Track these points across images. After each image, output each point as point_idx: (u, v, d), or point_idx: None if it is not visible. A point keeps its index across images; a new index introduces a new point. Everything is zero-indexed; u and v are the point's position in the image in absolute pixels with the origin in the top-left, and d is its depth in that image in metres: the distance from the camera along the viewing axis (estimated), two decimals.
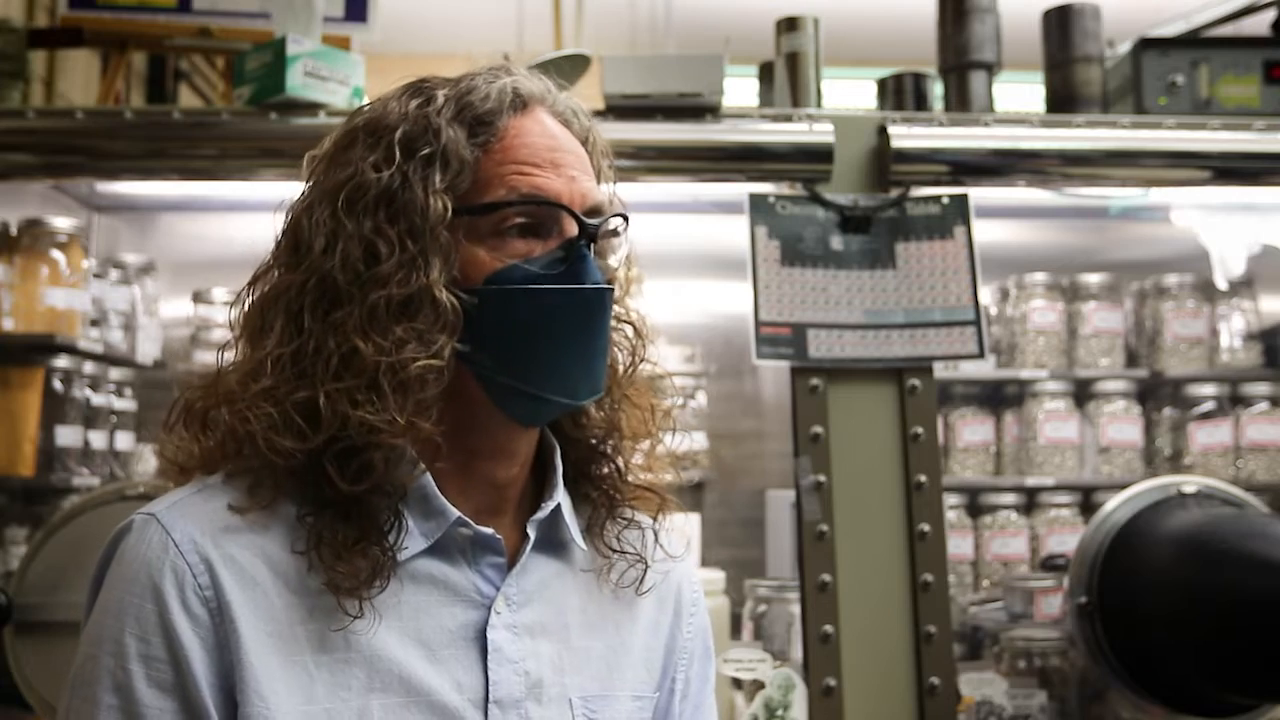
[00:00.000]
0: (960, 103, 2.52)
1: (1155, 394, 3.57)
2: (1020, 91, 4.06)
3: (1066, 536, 3.27)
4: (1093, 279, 3.57)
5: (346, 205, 1.04)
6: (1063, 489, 3.46)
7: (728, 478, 3.72)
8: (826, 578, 2.11)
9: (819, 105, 2.42)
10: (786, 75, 2.42)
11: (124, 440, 3.00)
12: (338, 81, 2.22)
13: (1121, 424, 3.49)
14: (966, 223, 2.26)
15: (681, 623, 1.22)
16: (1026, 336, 3.55)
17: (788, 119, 2.30)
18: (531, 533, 1.10)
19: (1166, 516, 2.25)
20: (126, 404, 3.04)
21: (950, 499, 3.41)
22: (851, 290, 2.23)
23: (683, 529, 1.26)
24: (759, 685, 2.15)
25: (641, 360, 1.17)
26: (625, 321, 1.16)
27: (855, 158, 2.28)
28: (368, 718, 0.99)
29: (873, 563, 2.14)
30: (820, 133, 2.26)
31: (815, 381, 2.19)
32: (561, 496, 1.13)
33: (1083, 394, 3.55)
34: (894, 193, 2.27)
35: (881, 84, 2.75)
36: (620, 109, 2.24)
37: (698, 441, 3.64)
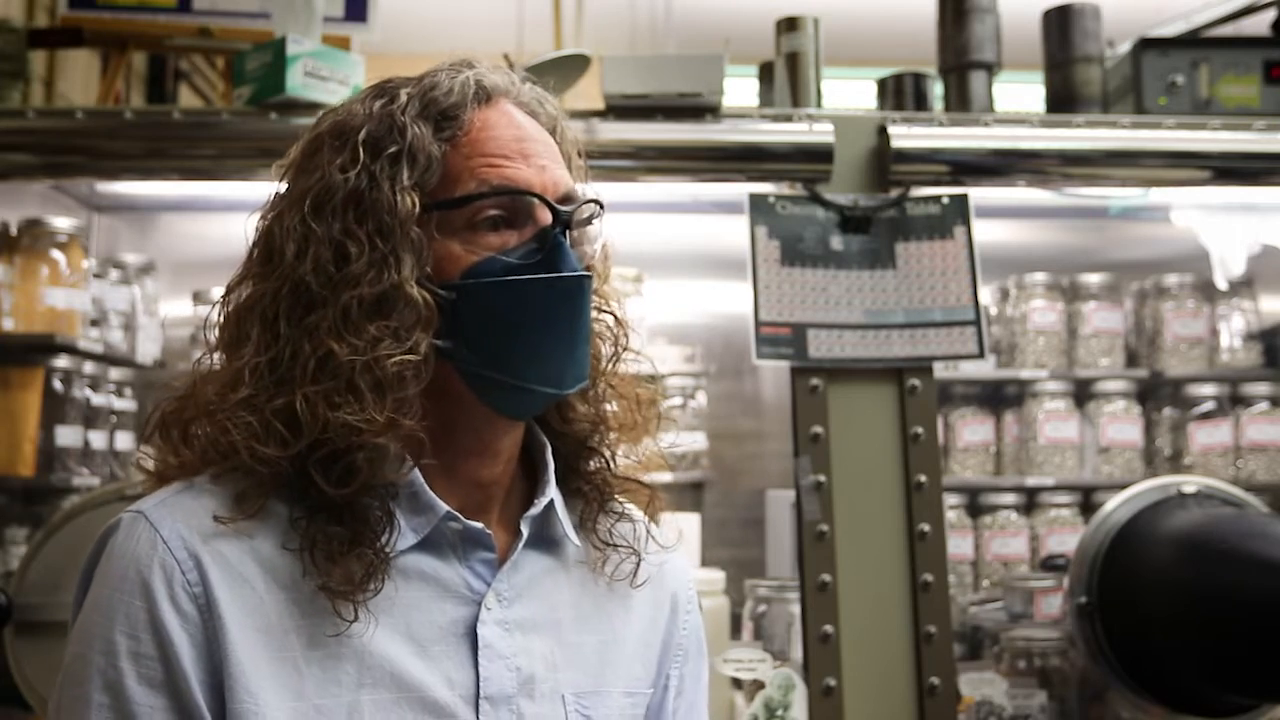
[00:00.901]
0: (960, 103, 2.52)
1: (1155, 394, 3.57)
2: (1020, 91, 4.06)
3: (1066, 536, 3.27)
4: (1093, 279, 3.57)
5: (315, 209, 1.03)
6: (1063, 489, 3.46)
7: (728, 478, 3.72)
8: (826, 578, 2.11)
9: (819, 105, 2.42)
10: (786, 75, 2.42)
11: (124, 440, 2.99)
12: (338, 81, 2.22)
13: (1121, 424, 3.49)
14: (966, 223, 2.26)
15: (678, 619, 1.22)
16: (1026, 336, 3.55)
17: (788, 119, 2.30)
18: (525, 529, 1.10)
19: (1166, 516, 2.25)
20: (126, 404, 3.04)
21: (950, 499, 3.40)
22: (851, 290, 2.23)
23: (673, 522, 1.25)
24: (759, 685, 2.15)
25: (624, 349, 1.17)
26: (605, 311, 1.16)
27: (855, 158, 2.28)
28: (358, 714, 0.99)
29: (873, 563, 2.14)
30: (820, 133, 2.26)
31: (815, 381, 2.19)
32: (554, 493, 1.13)
33: (1083, 394, 3.55)
34: (894, 193, 2.27)
35: (881, 84, 2.75)
36: (620, 109, 2.24)
37: (698, 441, 3.64)
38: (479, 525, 1.07)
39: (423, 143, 1.04)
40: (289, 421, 0.99)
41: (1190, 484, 2.32)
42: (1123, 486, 2.41)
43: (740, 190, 2.26)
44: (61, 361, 2.75)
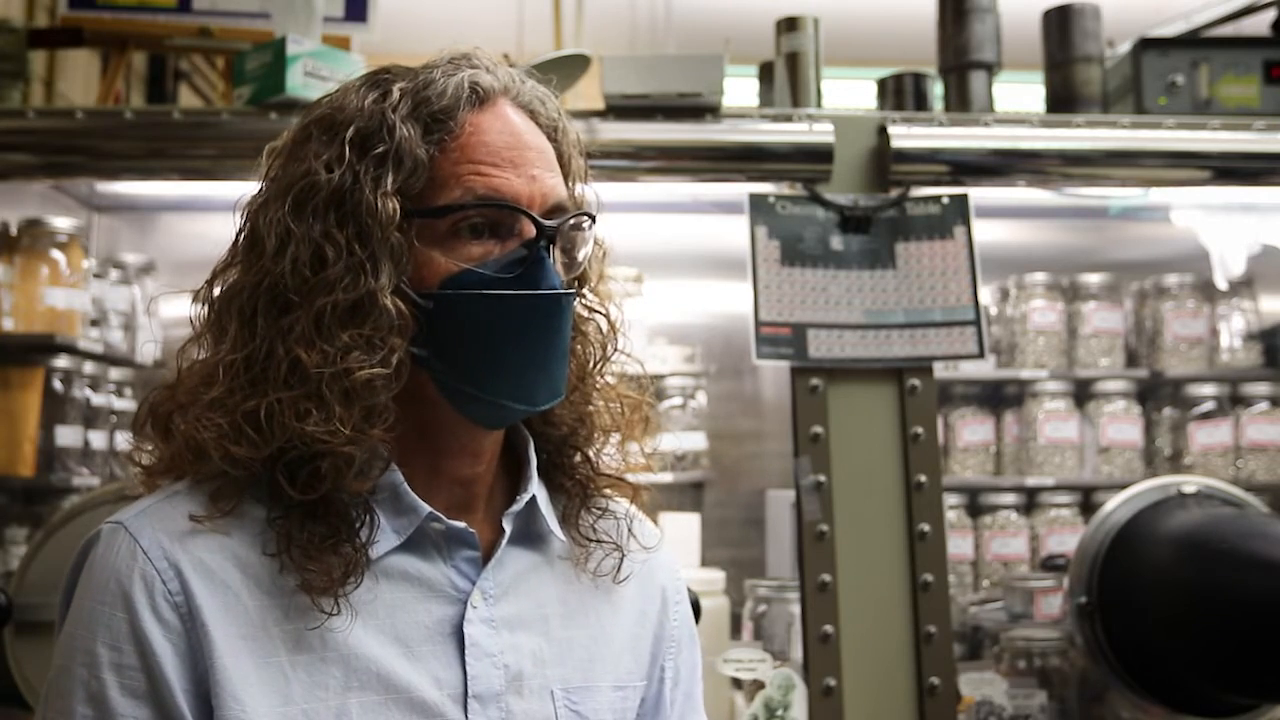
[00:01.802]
0: (960, 103, 2.52)
1: (1155, 394, 3.57)
2: (1020, 91, 4.06)
3: (1066, 536, 3.27)
4: (1093, 279, 3.57)
5: (297, 205, 1.02)
6: (1063, 489, 3.46)
7: (728, 478, 3.71)
8: (826, 578, 2.11)
9: (819, 105, 2.42)
10: (786, 75, 2.42)
11: (124, 440, 2.99)
12: (338, 82, 2.20)
13: (1121, 424, 3.49)
14: (966, 223, 2.26)
15: (669, 612, 1.22)
16: (1026, 336, 3.55)
17: (788, 119, 2.30)
18: (507, 526, 1.10)
19: (1166, 516, 2.25)
20: (126, 404, 3.04)
21: (950, 499, 3.40)
22: (851, 290, 2.23)
23: (668, 521, 1.25)
24: (759, 685, 2.15)
25: (613, 353, 1.16)
26: (596, 312, 1.15)
27: (855, 158, 2.28)
28: (346, 717, 0.99)
29: (873, 563, 2.14)
30: (820, 133, 2.26)
31: (815, 381, 2.19)
32: (537, 489, 1.12)
33: (1083, 394, 3.55)
34: (894, 193, 2.27)
35: (881, 84, 2.75)
36: (620, 109, 2.24)
37: (698, 441, 3.64)
38: (461, 524, 1.06)
39: (410, 145, 1.02)
40: (257, 425, 0.98)
41: (1190, 484, 2.32)
42: (1123, 486, 2.41)
43: (740, 190, 2.26)
44: (61, 361, 2.75)
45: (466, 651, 1.05)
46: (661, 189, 2.42)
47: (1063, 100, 2.55)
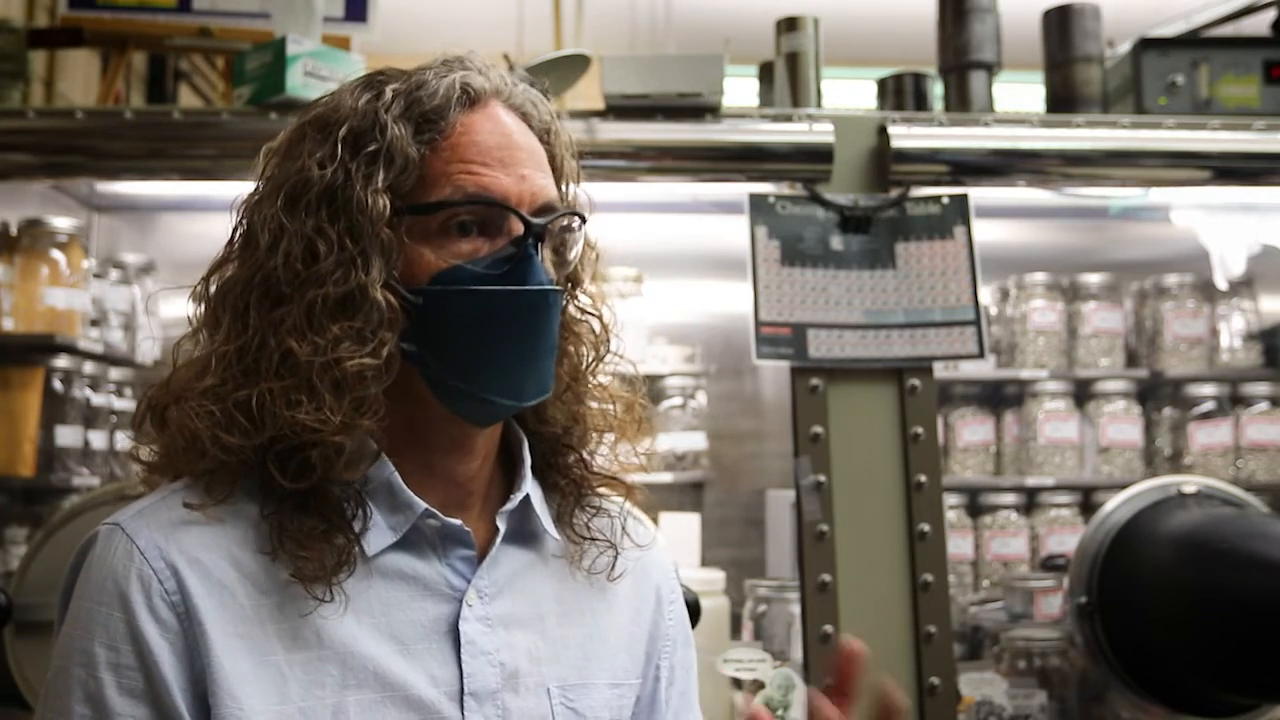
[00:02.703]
0: (960, 103, 2.52)
1: (1155, 394, 3.57)
2: (1020, 91, 4.06)
3: (1066, 536, 3.27)
4: (1093, 279, 3.57)
5: (290, 202, 1.04)
6: (1063, 489, 3.46)
7: (728, 478, 3.72)
8: (826, 578, 2.11)
9: (819, 105, 2.42)
10: (786, 75, 2.42)
11: (124, 440, 2.99)
12: (337, 81, 2.21)
13: (1121, 424, 3.49)
14: (966, 223, 2.26)
15: (663, 611, 1.22)
16: (1026, 336, 3.55)
17: (788, 119, 2.30)
18: (501, 525, 1.10)
19: (1166, 516, 2.25)
20: (126, 404, 3.04)
21: (950, 499, 3.40)
22: (851, 290, 2.23)
23: (666, 521, 1.26)
24: (759, 685, 2.15)
25: (606, 354, 1.17)
26: (589, 313, 1.16)
27: (855, 158, 2.28)
28: (343, 715, 0.99)
29: (873, 563, 2.14)
30: (820, 133, 2.26)
31: (815, 381, 2.19)
32: (531, 487, 1.13)
33: (1083, 394, 3.55)
34: (894, 193, 2.27)
35: (881, 84, 2.75)
36: (620, 109, 2.24)
37: (698, 441, 3.64)
38: (457, 522, 1.07)
39: (402, 144, 1.03)
40: (249, 415, 0.99)
41: (1190, 484, 2.32)
42: (1123, 486, 2.41)
43: (740, 190, 2.26)
44: (61, 361, 2.75)
45: (462, 649, 1.05)
46: (661, 189, 2.42)
47: (1063, 100, 2.55)
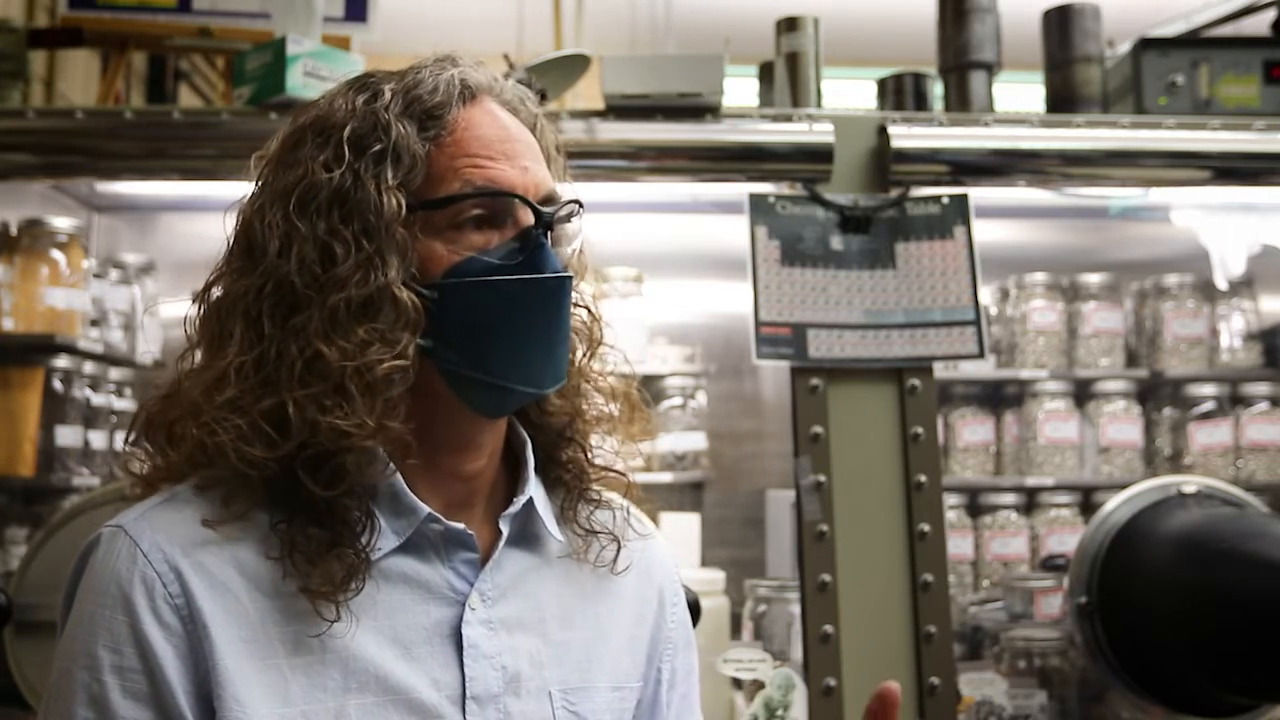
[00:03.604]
0: (960, 103, 2.52)
1: (1155, 394, 3.58)
2: (1020, 91, 4.06)
3: (1066, 536, 3.27)
4: (1093, 279, 3.57)
5: (299, 207, 1.03)
6: (1063, 489, 3.47)
7: (728, 478, 3.72)
8: (826, 578, 2.11)
9: (819, 105, 2.42)
10: (786, 75, 2.42)
11: (123, 441, 2.99)
12: (337, 82, 2.22)
13: (1121, 424, 3.49)
14: (966, 223, 2.26)
15: (665, 613, 1.22)
16: (1026, 336, 3.55)
17: (788, 119, 2.30)
18: (504, 528, 1.10)
19: (1166, 516, 2.25)
20: (126, 404, 3.04)
21: (950, 499, 3.41)
22: (851, 290, 2.23)
23: (666, 520, 1.26)
24: (759, 685, 2.15)
25: (599, 344, 1.17)
26: (580, 306, 1.16)
27: (855, 158, 2.28)
28: (344, 718, 0.99)
29: (873, 563, 2.14)
30: (820, 133, 2.26)
31: (815, 381, 2.19)
32: (534, 489, 1.13)
33: (1083, 394, 3.55)
34: (894, 193, 2.27)
35: (881, 84, 2.75)
36: (620, 109, 2.24)
37: (698, 441, 3.64)
38: (460, 526, 1.07)
39: (407, 142, 1.04)
40: (277, 424, 0.99)
41: (1190, 484, 2.32)
42: (1123, 486, 2.41)
43: (740, 190, 2.26)
44: (61, 361, 2.75)
45: (464, 653, 1.05)
46: (661, 189, 2.42)
47: (1063, 100, 2.55)
